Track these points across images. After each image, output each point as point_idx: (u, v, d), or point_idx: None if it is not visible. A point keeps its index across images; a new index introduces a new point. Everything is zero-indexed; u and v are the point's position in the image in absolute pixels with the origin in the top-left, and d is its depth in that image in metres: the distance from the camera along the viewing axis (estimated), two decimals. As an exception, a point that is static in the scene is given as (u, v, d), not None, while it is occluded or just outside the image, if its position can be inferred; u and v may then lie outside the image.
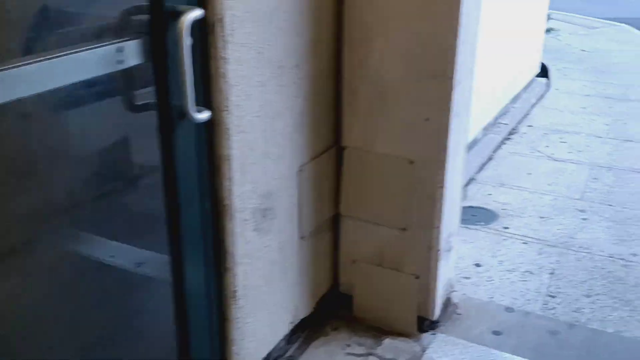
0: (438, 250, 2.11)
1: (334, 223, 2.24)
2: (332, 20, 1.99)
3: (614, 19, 10.86)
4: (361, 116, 2.07)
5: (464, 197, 3.37)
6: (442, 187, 2.03)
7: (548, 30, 6.57)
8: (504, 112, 4.72)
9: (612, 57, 7.22)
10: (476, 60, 2.17)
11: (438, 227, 2.08)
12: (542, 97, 5.46)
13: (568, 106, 5.19)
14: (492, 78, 4.19)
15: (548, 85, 5.78)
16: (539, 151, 4.16)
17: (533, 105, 5.19)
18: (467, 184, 3.66)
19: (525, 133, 4.54)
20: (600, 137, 4.41)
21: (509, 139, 4.44)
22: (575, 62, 6.99)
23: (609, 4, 12.44)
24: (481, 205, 3.33)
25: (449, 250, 2.25)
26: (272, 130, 1.76)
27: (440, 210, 2.06)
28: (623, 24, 10.17)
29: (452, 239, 2.28)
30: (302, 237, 2.03)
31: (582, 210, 3.24)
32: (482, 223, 3.10)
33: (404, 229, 2.12)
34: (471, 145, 4.12)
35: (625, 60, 7.00)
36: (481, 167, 3.91)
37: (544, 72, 6.58)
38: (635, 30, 9.63)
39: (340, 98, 2.09)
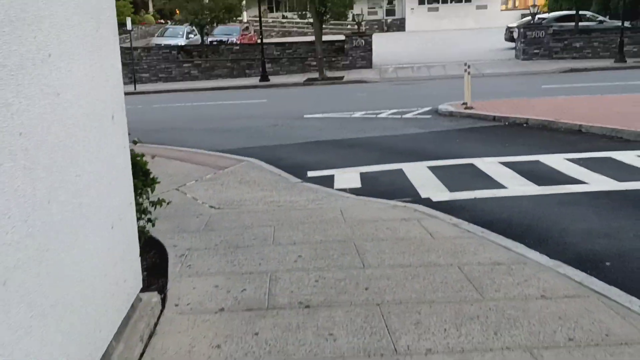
0: None
1: None
2: None
3: (238, 151, 9.83)
4: None
5: None
6: None
7: (157, 204, 4.54)
8: None
9: (245, 214, 5.69)
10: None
11: None
12: (151, 335, 3.26)
13: (194, 350, 3.10)
14: None
15: (163, 301, 3.65)
16: None
17: (134, 368, 2.94)
18: None
19: None
20: None
21: None
22: (203, 232, 5.18)
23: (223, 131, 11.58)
24: None
25: None
26: None
27: None
28: (251, 158, 9.13)
29: None
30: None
31: None
32: None
33: None
34: None
35: (261, 217, 5.53)
36: None
37: (162, 260, 4.53)
38: (265, 165, 8.64)
39: None
